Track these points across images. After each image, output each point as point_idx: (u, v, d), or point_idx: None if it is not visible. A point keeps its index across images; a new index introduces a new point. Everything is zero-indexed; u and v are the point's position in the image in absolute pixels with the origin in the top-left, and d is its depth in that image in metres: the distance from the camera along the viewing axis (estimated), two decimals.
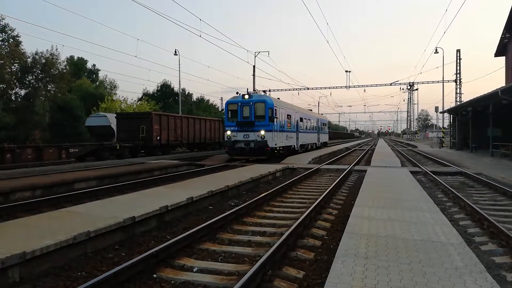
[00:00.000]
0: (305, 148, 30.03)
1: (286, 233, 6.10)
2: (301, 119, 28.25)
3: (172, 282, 4.77)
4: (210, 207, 9.36)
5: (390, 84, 54.21)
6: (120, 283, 4.50)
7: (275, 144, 21.08)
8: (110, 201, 8.64)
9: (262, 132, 20.06)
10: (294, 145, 25.45)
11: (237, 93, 21.99)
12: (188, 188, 10.20)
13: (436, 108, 61.32)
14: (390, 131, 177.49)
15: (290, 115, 24.64)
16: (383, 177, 13.34)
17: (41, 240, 5.15)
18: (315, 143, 34.51)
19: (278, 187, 11.46)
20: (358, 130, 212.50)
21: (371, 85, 56.34)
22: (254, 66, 43.29)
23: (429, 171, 15.75)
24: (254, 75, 43.87)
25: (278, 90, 54.82)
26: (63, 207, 8.39)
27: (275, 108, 21.03)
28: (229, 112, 21.37)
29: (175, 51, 42.41)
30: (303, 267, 5.27)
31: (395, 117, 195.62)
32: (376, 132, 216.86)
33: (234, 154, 21.13)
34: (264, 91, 22.43)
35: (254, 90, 38.98)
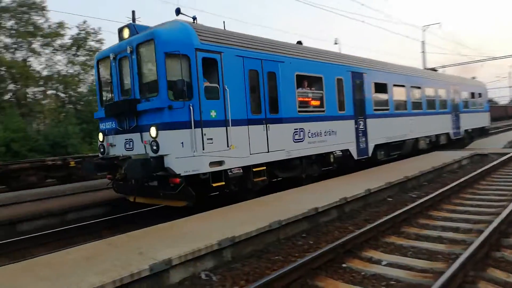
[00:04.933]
0: (403, 150, 14.30)
1: (488, 230, 5.40)
2: (381, 87, 13.20)
3: (363, 273, 4.85)
4: (388, 198, 9.04)
5: None
6: (313, 269, 4.85)
7: (207, 164, 7.60)
8: (290, 192, 9.24)
9: (153, 132, 7.24)
10: (336, 151, 10.90)
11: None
12: (364, 179, 10.08)
13: None
14: None
15: (318, 78, 10.60)
16: None
17: (242, 227, 5.97)
18: (446, 133, 17.64)
19: (468, 177, 10.16)
20: None
21: None
22: (423, 42, 39.41)
23: None
24: (423, 52, 39.93)
25: (453, 65, 48.22)
26: (247, 199, 8.49)
27: (199, 51, 7.64)
28: (100, 81, 9.27)
29: (335, 41, 42.31)
30: None
31: None
32: None
33: (120, 190, 8.87)
34: (178, 10, 8.16)
35: (425, 66, 34.82)
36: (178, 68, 7.19)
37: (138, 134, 7.72)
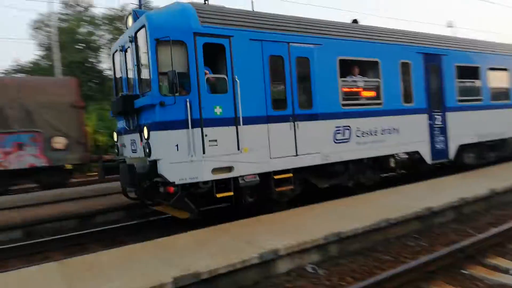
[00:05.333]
0: (503, 151, 11.47)
1: None
2: (469, 71, 10.69)
3: (486, 281, 4.38)
4: None
5: None
6: (428, 273, 4.52)
7: (208, 170, 6.37)
8: (397, 190, 8.63)
9: (145, 133, 6.29)
10: (398, 153, 8.95)
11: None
12: (489, 177, 9.00)
13: None
14: None
15: (373, 62, 8.67)
16: None
17: (347, 223, 5.81)
18: None
19: None
20: None
21: None
22: None
23: None
24: None
25: None
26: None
27: (200, 36, 6.40)
28: (115, 76, 8.45)
29: (449, 23, 38.58)
30: None
31: None
32: None
33: (129, 194, 7.81)
34: None
35: None
36: (172, 57, 5.95)
37: (138, 134, 6.75)
